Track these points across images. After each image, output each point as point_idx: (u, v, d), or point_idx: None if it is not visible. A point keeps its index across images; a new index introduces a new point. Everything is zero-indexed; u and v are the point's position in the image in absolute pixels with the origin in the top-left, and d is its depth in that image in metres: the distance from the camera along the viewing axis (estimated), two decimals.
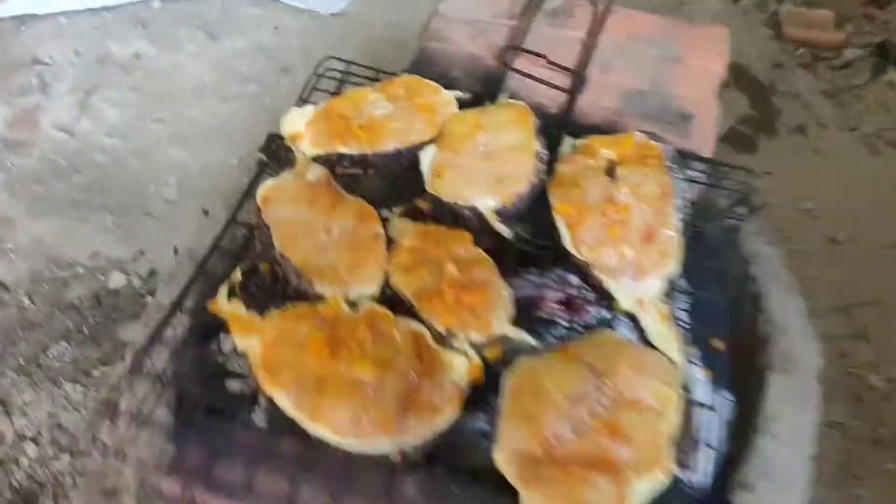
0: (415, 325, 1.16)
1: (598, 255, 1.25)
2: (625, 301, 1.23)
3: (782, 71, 2.93)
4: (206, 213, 2.49)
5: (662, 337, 1.20)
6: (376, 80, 1.56)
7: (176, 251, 2.39)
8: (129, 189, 2.51)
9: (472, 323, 1.16)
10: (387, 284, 1.23)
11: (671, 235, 1.27)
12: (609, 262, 1.24)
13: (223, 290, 1.21)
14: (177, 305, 1.30)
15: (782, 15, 3.13)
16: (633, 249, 1.24)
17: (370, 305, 1.18)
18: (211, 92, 2.76)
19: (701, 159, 1.45)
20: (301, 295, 1.21)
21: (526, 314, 1.27)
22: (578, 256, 1.26)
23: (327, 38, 2.91)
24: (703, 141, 1.50)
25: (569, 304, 1.65)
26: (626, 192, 1.30)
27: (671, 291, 1.25)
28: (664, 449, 1.04)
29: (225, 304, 1.20)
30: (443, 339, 1.15)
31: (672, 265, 1.25)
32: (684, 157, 1.43)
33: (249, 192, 1.37)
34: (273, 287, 1.22)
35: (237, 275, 1.23)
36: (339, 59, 1.58)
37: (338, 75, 1.57)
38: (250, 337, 1.16)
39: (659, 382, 1.11)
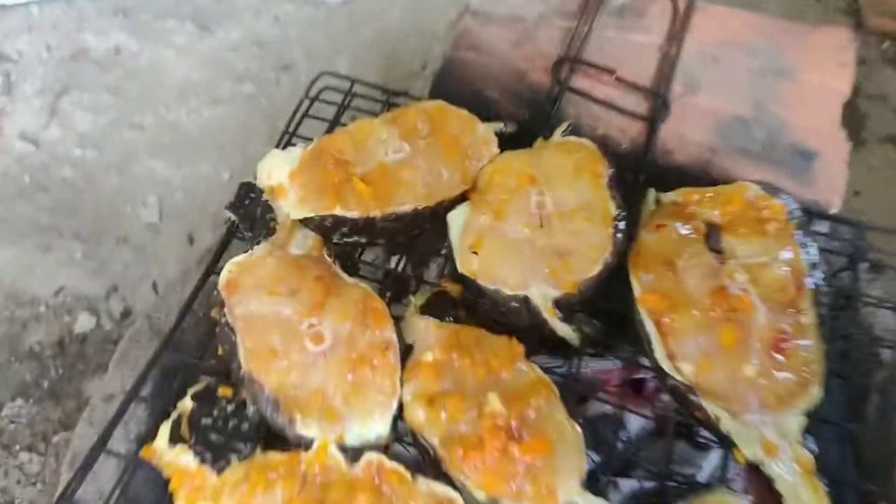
0: (442, 490, 0.79)
1: (706, 376, 0.86)
2: (748, 446, 0.84)
3: (866, 68, 2.49)
4: (191, 239, 2.13)
5: (805, 500, 0.82)
6: (388, 104, 1.17)
7: (155, 287, 2.03)
8: (102, 211, 2.15)
9: (527, 489, 0.78)
10: (401, 418, 0.85)
11: (810, 344, 0.88)
12: (722, 388, 0.86)
13: (164, 430, 0.84)
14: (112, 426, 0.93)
15: (862, 1, 2.69)
16: (758, 368, 0.85)
17: (376, 456, 0.81)
18: (200, 92, 2.38)
19: (836, 219, 1.05)
20: (276, 436, 0.84)
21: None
22: (674, 375, 0.87)
23: (333, 31, 2.51)
24: (832, 190, 1.11)
25: (636, 389, 1.29)
26: (742, 277, 0.91)
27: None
28: None
29: (166, 451, 0.82)
30: None
31: (815, 390, 0.86)
32: (810, 217, 1.04)
33: (212, 269, 1.00)
34: (237, 422, 0.85)
35: (186, 403, 0.86)
36: (337, 75, 1.19)
37: (336, 97, 1.18)
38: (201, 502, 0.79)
39: None
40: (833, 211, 1.11)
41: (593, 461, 1.13)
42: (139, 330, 1.31)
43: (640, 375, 1.27)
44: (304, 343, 0.86)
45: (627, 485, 1.17)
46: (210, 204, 2.15)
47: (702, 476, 1.20)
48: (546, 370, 0.90)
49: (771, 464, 0.83)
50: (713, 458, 1.22)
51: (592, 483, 0.87)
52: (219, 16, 2.57)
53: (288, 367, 0.85)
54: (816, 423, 0.87)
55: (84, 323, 1.97)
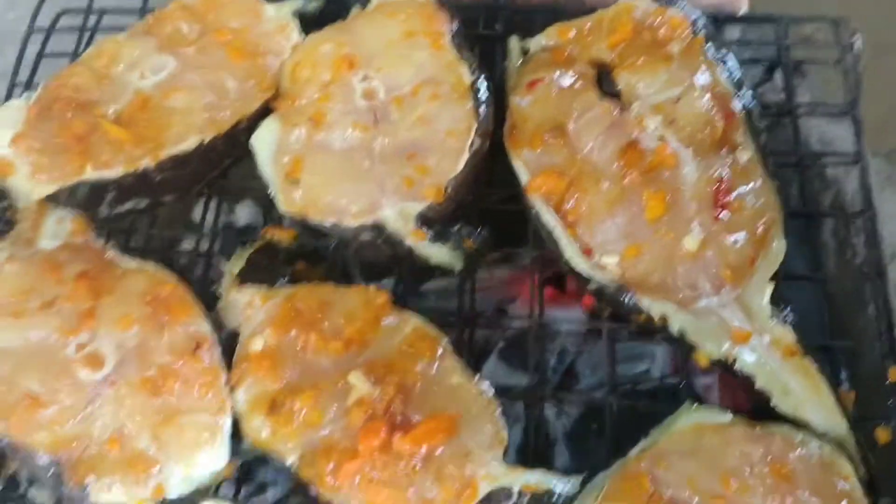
0: None
1: (636, 266, 0.64)
2: (710, 341, 0.62)
3: None
4: None
5: (796, 391, 0.61)
6: (149, 10, 0.87)
7: None
8: None
9: (434, 490, 0.55)
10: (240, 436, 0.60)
11: (757, 185, 0.65)
12: (660, 275, 0.64)
13: None
14: None
15: None
16: (701, 237, 0.63)
17: None
18: None
19: (753, 19, 0.82)
20: None
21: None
22: (595, 275, 0.64)
23: None
24: None
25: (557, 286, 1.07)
26: (655, 121, 0.67)
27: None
28: None
29: None
30: None
31: (777, 244, 0.64)
32: (718, 24, 0.81)
33: None
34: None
35: None
36: None
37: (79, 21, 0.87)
38: None
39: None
40: (742, 12, 0.87)
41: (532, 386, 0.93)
42: None
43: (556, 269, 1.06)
44: (76, 373, 0.60)
45: (572, 402, 0.97)
46: None
47: (656, 369, 1.01)
48: (434, 310, 0.66)
49: (744, 357, 0.62)
50: (660, 348, 1.02)
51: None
52: None
53: (60, 414, 0.59)
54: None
55: None
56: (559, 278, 1.06)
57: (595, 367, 1.02)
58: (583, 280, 0.65)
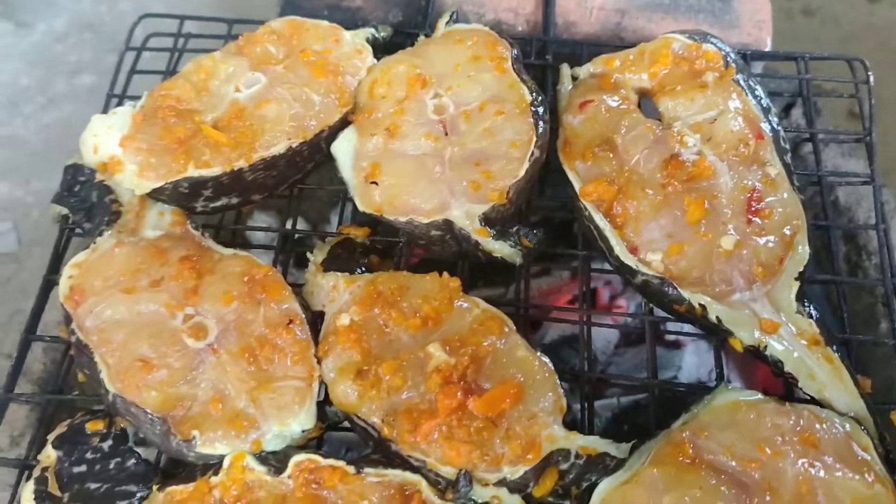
0: (397, 477, 0.62)
1: (678, 262, 0.72)
2: (743, 330, 0.70)
3: None
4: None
5: (820, 376, 0.69)
6: (231, 36, 0.96)
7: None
8: None
9: (502, 449, 0.62)
10: (328, 401, 0.68)
11: (785, 197, 0.74)
12: (700, 271, 0.71)
13: (27, 495, 0.63)
14: None
15: None
16: (735, 238, 0.71)
17: (305, 457, 0.63)
18: (32, 96, 2.08)
19: (777, 56, 0.92)
20: (177, 463, 0.65)
21: None
22: (641, 269, 0.72)
23: None
24: (759, 27, 0.97)
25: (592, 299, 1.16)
26: (694, 139, 0.76)
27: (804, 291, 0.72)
28: None
29: None
30: (454, 487, 0.61)
31: (802, 248, 0.72)
32: (747, 59, 0.91)
33: (51, 280, 0.79)
34: (121, 460, 0.65)
35: (48, 454, 0.66)
36: (162, 15, 0.97)
37: (168, 43, 0.97)
38: None
39: (855, 475, 0.61)
40: (766, 50, 0.97)
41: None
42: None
43: (594, 285, 1.14)
44: (184, 340, 0.67)
45: (604, 406, 1.04)
46: None
47: (683, 376, 1.08)
48: (490, 302, 0.73)
49: (773, 344, 0.69)
50: (688, 355, 1.10)
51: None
52: (35, 7, 2.25)
53: (169, 377, 0.66)
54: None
55: None
56: (593, 291, 1.14)
57: (625, 374, 1.09)
58: (630, 274, 0.73)
